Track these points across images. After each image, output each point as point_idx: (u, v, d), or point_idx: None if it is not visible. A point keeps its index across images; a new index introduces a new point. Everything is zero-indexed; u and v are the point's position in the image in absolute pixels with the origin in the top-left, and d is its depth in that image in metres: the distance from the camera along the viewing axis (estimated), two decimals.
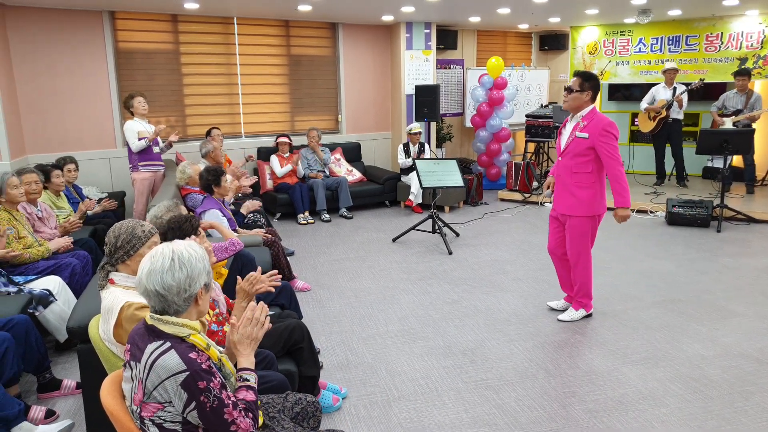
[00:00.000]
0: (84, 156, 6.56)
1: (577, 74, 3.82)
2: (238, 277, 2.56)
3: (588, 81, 3.74)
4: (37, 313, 3.43)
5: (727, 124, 7.44)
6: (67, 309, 3.58)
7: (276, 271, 2.61)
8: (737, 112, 7.45)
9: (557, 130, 3.99)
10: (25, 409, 2.81)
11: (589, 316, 4.14)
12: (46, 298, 3.50)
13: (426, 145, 7.85)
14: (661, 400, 3.08)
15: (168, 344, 1.66)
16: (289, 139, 7.35)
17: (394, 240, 6.28)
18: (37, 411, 2.89)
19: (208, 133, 6.70)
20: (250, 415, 1.74)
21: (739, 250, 5.70)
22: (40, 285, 3.62)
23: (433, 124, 8.72)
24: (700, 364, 3.46)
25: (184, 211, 3.02)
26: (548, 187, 4.10)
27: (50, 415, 2.93)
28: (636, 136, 9.39)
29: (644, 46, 8.82)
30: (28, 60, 6.30)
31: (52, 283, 3.68)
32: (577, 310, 4.11)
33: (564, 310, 4.22)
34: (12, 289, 3.51)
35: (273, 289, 2.62)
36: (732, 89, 7.63)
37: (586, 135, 3.72)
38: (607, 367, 3.45)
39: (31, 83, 6.36)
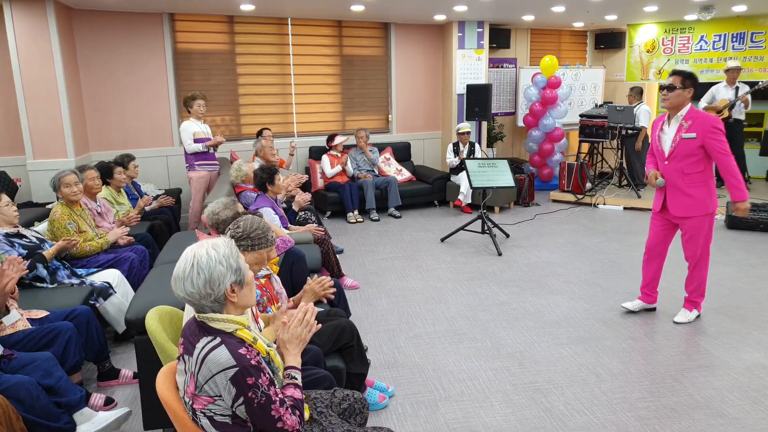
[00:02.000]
0: (142, 154, 6.84)
1: (676, 72, 3.75)
2: (309, 278, 2.64)
3: (689, 78, 3.70)
4: (97, 305, 3.58)
5: None
6: (126, 301, 3.72)
7: (332, 282, 2.68)
8: None
9: (656, 134, 3.89)
10: (87, 396, 2.93)
11: (698, 317, 4.12)
12: (106, 291, 3.66)
13: (477, 145, 7.80)
14: (718, 409, 2.98)
15: (218, 339, 1.70)
16: (344, 139, 7.43)
17: (442, 240, 6.27)
18: (97, 398, 3.02)
19: (259, 134, 6.86)
20: (297, 412, 1.78)
21: None
22: (100, 278, 3.79)
23: (484, 124, 8.65)
24: (761, 374, 3.32)
25: (240, 208, 3.12)
26: (656, 177, 3.91)
27: (109, 403, 3.06)
28: None
29: (706, 43, 8.48)
30: (92, 61, 6.62)
31: (112, 276, 3.85)
32: (692, 310, 4.09)
33: (636, 311, 4.20)
34: (75, 281, 3.70)
35: (332, 296, 2.70)
36: None
37: (693, 135, 3.67)
38: (661, 373, 3.35)
39: (95, 83, 6.68)
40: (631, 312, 4.23)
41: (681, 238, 3.96)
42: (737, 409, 2.97)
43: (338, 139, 7.35)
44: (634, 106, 7.92)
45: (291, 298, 2.85)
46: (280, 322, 2.31)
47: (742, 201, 3.71)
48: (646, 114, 7.90)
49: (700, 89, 8.51)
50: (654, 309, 4.21)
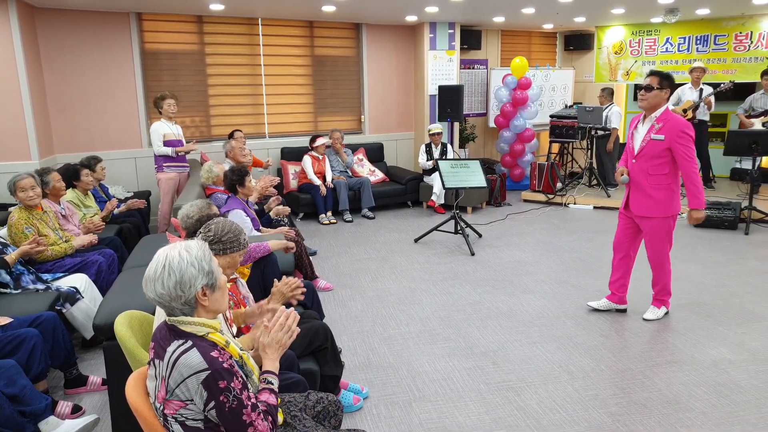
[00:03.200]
0: (110, 156, 6.69)
1: (654, 73, 3.81)
2: (275, 280, 2.60)
3: (666, 79, 3.76)
4: (64, 311, 3.49)
5: (757, 125, 7.29)
6: (93, 306, 3.64)
7: (300, 283, 2.63)
8: (766, 113, 7.29)
9: (630, 131, 3.96)
10: (53, 404, 2.86)
11: (666, 313, 4.20)
12: (73, 296, 3.56)
13: (449, 146, 7.84)
14: (686, 404, 3.04)
15: (190, 343, 1.68)
16: (327, 141, 7.39)
17: (416, 240, 6.29)
18: (64, 406, 2.95)
19: (231, 135, 6.77)
20: (270, 418, 1.76)
21: (767, 252, 5.60)
22: (67, 282, 3.69)
23: (456, 125, 8.71)
24: (727, 369, 3.41)
25: (215, 211, 3.07)
26: (622, 174, 3.99)
27: (77, 410, 2.99)
28: None
29: (671, 45, 8.69)
30: (56, 61, 6.45)
31: (79, 280, 3.75)
32: (660, 308, 4.16)
33: (605, 310, 4.26)
34: (40, 286, 3.59)
35: (302, 297, 2.67)
36: (760, 90, 7.48)
37: (662, 137, 3.72)
38: (631, 370, 3.42)
39: (60, 84, 6.51)
40: (596, 310, 4.28)
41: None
42: (704, 403, 3.04)
43: (320, 141, 7.31)
44: (605, 108, 8.07)
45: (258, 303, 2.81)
46: (261, 327, 2.29)
47: (698, 209, 3.77)
48: (617, 116, 8.05)
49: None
50: (625, 310, 4.26)
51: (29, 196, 3.87)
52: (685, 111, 7.70)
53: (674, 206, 3.86)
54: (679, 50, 8.64)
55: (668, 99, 3.81)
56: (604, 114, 8.03)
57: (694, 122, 7.72)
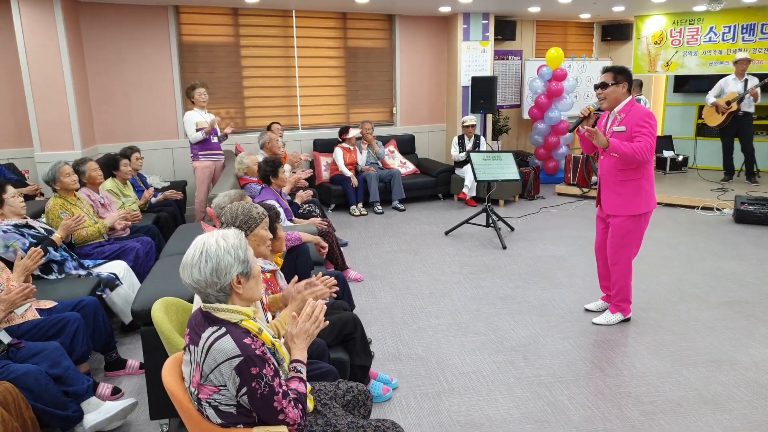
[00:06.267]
0: (148, 146, 6.84)
1: (608, 69, 3.66)
2: (295, 277, 2.58)
3: (621, 73, 3.61)
4: (104, 296, 3.62)
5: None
6: (132, 292, 3.75)
7: (335, 281, 2.58)
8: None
9: (599, 129, 3.83)
10: (94, 386, 2.96)
11: (627, 320, 3.98)
12: (112, 282, 3.69)
13: (482, 138, 7.77)
14: (724, 405, 2.97)
15: (224, 329, 1.72)
16: (357, 133, 7.41)
17: (447, 233, 6.27)
18: (104, 388, 3.05)
19: (269, 128, 6.85)
20: (299, 406, 1.79)
21: None
22: (107, 269, 3.82)
23: (490, 116, 8.62)
24: None
25: (249, 200, 3.11)
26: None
27: (116, 392, 3.09)
28: (702, 130, 9.00)
29: (715, 35, 8.40)
30: (98, 53, 6.62)
31: (118, 267, 3.87)
32: (614, 313, 3.97)
33: (602, 312, 4.11)
34: (82, 272, 3.73)
35: (335, 295, 2.64)
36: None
37: (623, 128, 3.59)
38: (666, 368, 3.35)
39: (102, 76, 6.69)
40: (588, 311, 4.16)
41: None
42: (744, 405, 2.96)
43: (352, 132, 7.33)
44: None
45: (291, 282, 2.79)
46: (291, 311, 2.32)
47: (605, 146, 3.52)
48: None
49: (707, 82, 8.48)
50: (628, 320, 4.01)
51: (73, 179, 4.12)
52: (728, 103, 7.46)
53: (640, 205, 3.65)
54: (723, 39, 8.34)
55: (628, 91, 3.63)
56: None
57: (738, 114, 7.48)
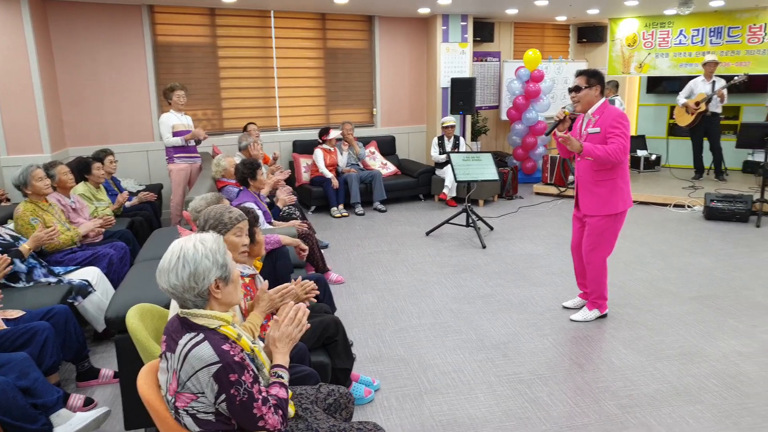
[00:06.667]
0: (122, 149, 6.71)
1: (581, 72, 3.74)
2: (292, 278, 2.55)
3: (594, 77, 3.69)
4: (76, 303, 3.50)
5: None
6: (105, 299, 3.63)
7: (314, 285, 2.57)
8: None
9: (575, 131, 3.90)
10: (65, 397, 2.87)
11: (603, 316, 4.06)
12: (85, 289, 3.58)
13: (461, 139, 7.82)
14: (696, 396, 3.04)
15: (202, 336, 1.69)
16: (337, 134, 7.38)
17: (427, 233, 6.30)
18: (76, 399, 2.94)
19: (245, 129, 6.79)
20: (280, 412, 1.76)
21: None
22: (79, 276, 3.70)
23: (469, 117, 8.68)
24: (737, 361, 3.39)
25: (226, 203, 3.09)
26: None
27: (89, 403, 2.98)
28: (674, 130, 9.21)
29: (684, 37, 8.59)
30: (68, 54, 6.46)
31: (91, 273, 3.76)
32: (591, 310, 4.04)
33: (579, 309, 4.17)
34: (52, 279, 3.61)
35: (315, 299, 2.62)
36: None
37: (597, 130, 3.66)
38: (642, 362, 3.41)
39: (72, 77, 6.53)
40: (567, 308, 4.22)
41: None
42: (714, 396, 3.04)
43: (332, 133, 7.31)
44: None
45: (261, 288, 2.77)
46: (265, 303, 2.30)
47: (579, 151, 3.57)
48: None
49: (678, 83, 8.66)
50: (605, 316, 4.07)
51: (45, 184, 3.96)
52: (697, 104, 7.63)
53: (617, 204, 3.72)
54: (692, 42, 8.53)
55: (601, 93, 3.71)
56: None
57: (706, 114, 7.65)
